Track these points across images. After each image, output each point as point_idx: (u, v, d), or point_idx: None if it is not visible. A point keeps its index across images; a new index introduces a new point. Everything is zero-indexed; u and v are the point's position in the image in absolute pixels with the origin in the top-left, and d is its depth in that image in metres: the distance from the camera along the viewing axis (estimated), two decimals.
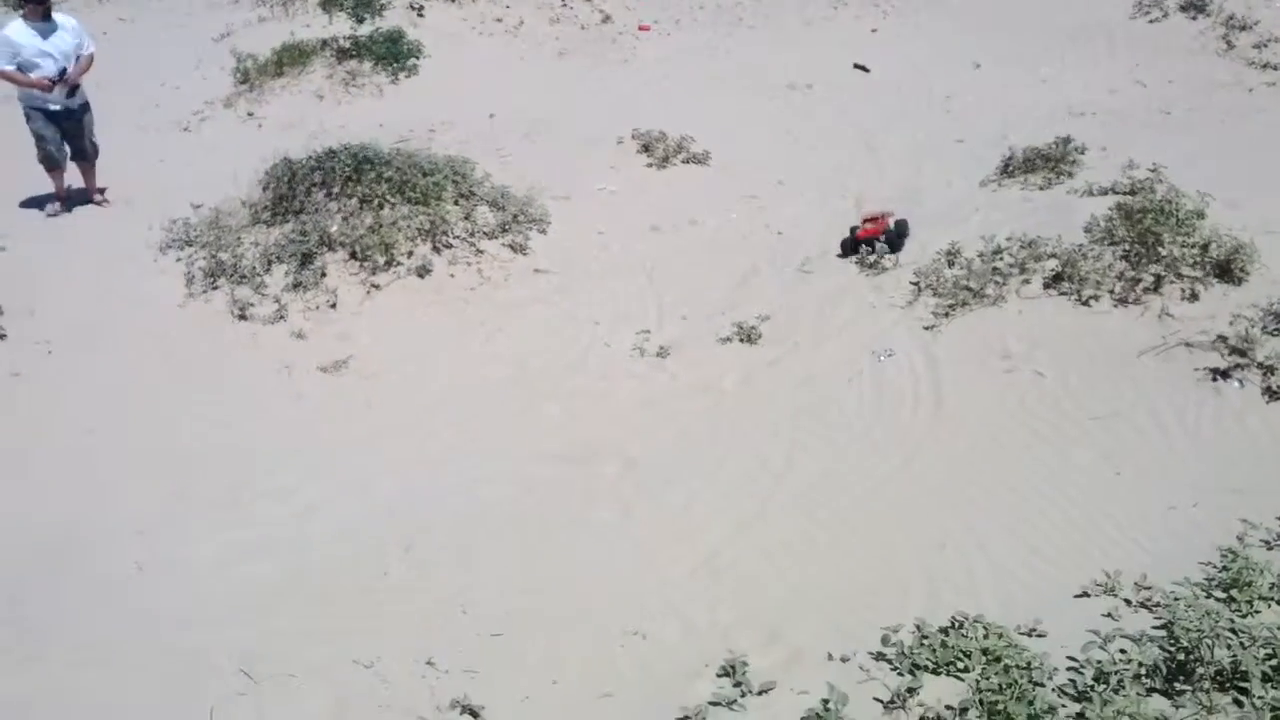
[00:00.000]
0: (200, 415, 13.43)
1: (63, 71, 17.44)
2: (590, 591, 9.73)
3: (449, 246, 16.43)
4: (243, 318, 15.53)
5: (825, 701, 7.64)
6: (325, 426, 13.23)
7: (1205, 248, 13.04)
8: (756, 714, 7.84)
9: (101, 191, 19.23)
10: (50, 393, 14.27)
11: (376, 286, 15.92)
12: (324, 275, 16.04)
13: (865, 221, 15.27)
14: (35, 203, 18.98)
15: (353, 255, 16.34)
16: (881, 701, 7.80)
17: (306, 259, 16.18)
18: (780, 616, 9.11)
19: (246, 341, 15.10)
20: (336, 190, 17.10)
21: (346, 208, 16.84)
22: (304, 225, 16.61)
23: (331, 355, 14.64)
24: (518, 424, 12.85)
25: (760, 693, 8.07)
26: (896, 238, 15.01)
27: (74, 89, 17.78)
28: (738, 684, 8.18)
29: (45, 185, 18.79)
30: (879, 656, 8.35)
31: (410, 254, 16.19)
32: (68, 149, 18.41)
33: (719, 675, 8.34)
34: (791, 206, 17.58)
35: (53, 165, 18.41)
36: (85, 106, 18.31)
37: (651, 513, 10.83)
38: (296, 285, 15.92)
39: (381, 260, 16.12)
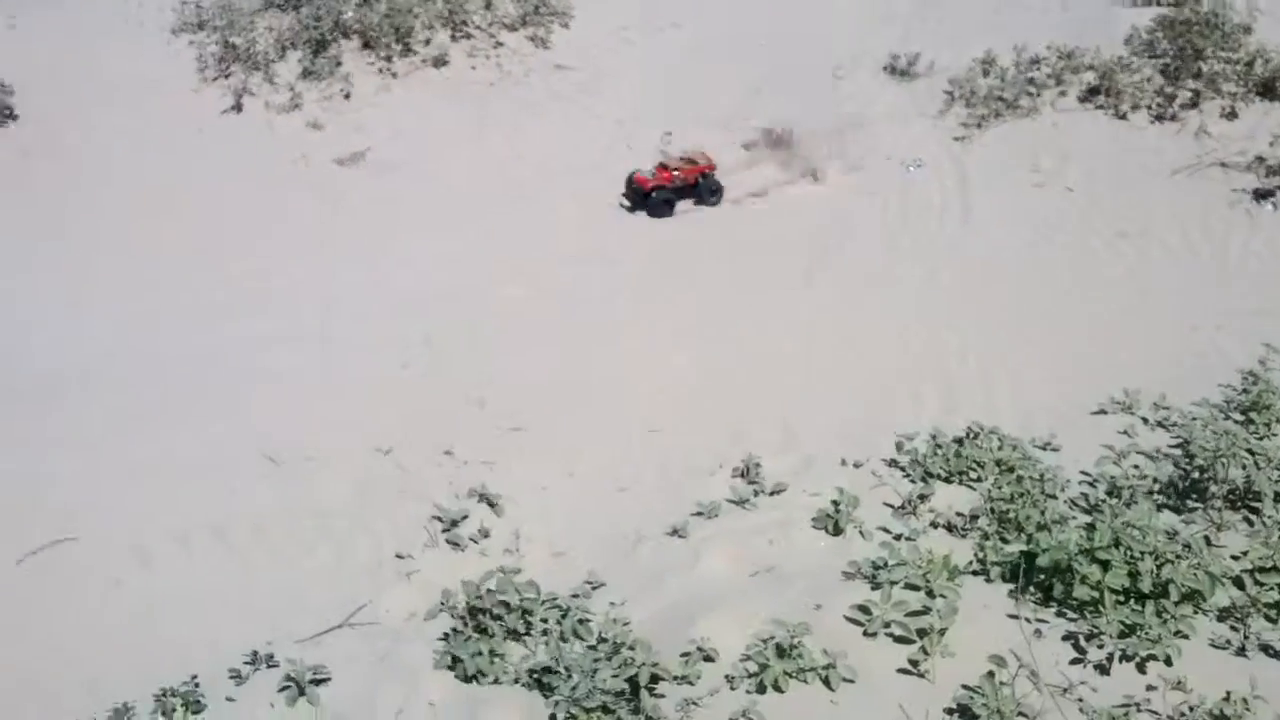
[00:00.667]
0: (217, 207, 13.29)
1: None
2: (606, 389, 9.79)
3: (468, 36, 15.87)
4: (238, 109, 15.19)
5: (835, 503, 7.74)
6: (345, 219, 13.11)
7: (1250, 64, 12.58)
8: (769, 513, 7.97)
9: None
10: (61, 174, 14.11)
11: (394, 75, 15.48)
12: (339, 64, 15.57)
13: (659, 168, 13.11)
14: None
15: (366, 44, 15.83)
16: (891, 506, 7.91)
17: (320, 46, 15.67)
18: (795, 420, 9.18)
19: (262, 130, 14.81)
20: None
21: None
22: (317, 10, 16.00)
23: (349, 147, 14.38)
24: (538, 225, 12.70)
25: (773, 493, 8.20)
26: (709, 193, 13.06)
27: None
28: (752, 483, 8.29)
29: None
30: (892, 463, 8.43)
31: (428, 42, 15.67)
32: None
33: (733, 475, 8.45)
34: (825, 8, 16.77)
35: None
36: None
37: (666, 314, 10.79)
38: (310, 73, 15.48)
39: (397, 48, 15.62)
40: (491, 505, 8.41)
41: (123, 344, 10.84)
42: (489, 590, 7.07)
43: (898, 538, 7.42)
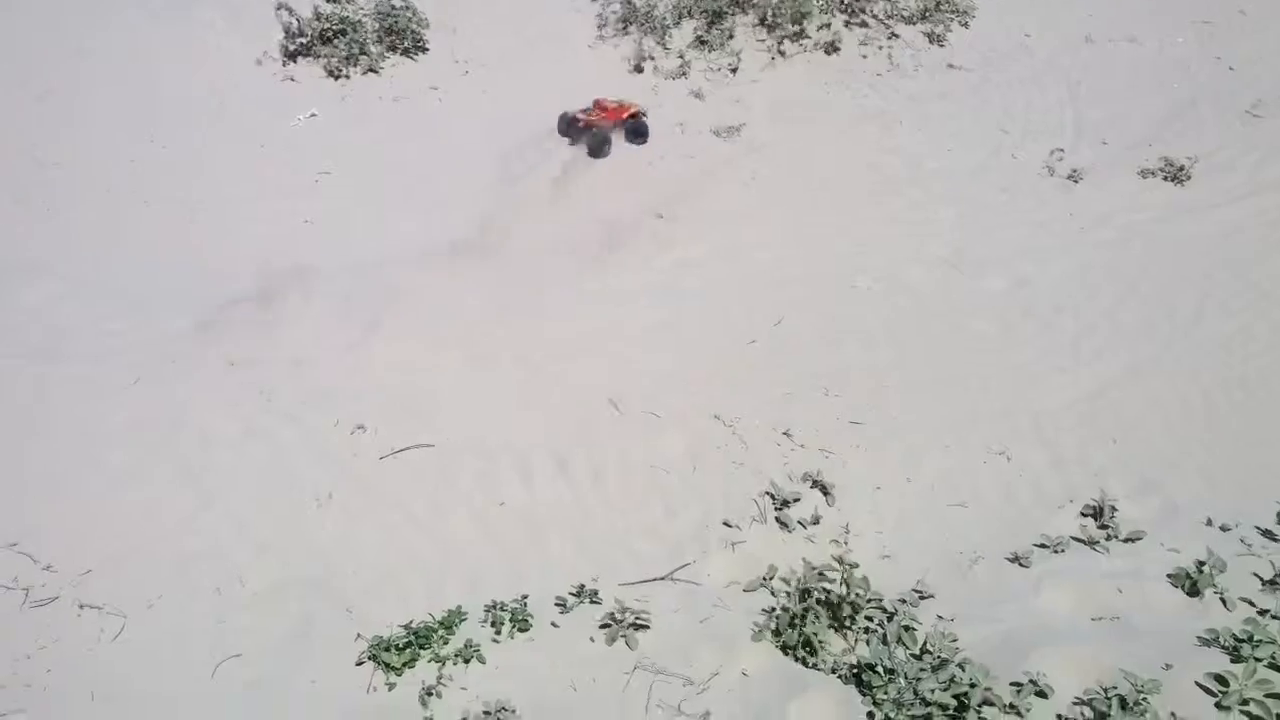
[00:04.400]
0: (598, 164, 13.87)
1: None
2: (959, 401, 9.43)
3: (863, 25, 15.74)
4: (639, 70, 15.69)
5: (1200, 564, 7.12)
6: (710, 183, 13.30)
7: None
8: (1120, 559, 7.44)
9: None
10: (460, 111, 15.15)
11: (782, 54, 15.57)
12: (731, 37, 15.85)
13: (597, 108, 14.08)
14: None
15: (762, 20, 15.98)
16: (1261, 579, 7.17)
17: (717, 17, 16.00)
18: (1159, 470, 8.49)
19: (647, 92, 15.28)
20: None
21: None
22: None
23: (725, 119, 14.58)
24: (901, 219, 12.39)
25: (1127, 540, 7.63)
26: (633, 134, 14.14)
27: None
28: (1104, 526, 7.77)
29: None
30: (1266, 533, 7.63)
31: (825, 26, 15.65)
32: None
33: (1084, 514, 7.95)
34: (1250, 39, 15.40)
35: None
36: None
37: (1036, 336, 10.25)
38: (702, 43, 15.85)
39: (791, 29, 15.69)
40: (825, 493, 8.33)
41: None
42: (822, 575, 7.02)
43: (1263, 613, 6.75)
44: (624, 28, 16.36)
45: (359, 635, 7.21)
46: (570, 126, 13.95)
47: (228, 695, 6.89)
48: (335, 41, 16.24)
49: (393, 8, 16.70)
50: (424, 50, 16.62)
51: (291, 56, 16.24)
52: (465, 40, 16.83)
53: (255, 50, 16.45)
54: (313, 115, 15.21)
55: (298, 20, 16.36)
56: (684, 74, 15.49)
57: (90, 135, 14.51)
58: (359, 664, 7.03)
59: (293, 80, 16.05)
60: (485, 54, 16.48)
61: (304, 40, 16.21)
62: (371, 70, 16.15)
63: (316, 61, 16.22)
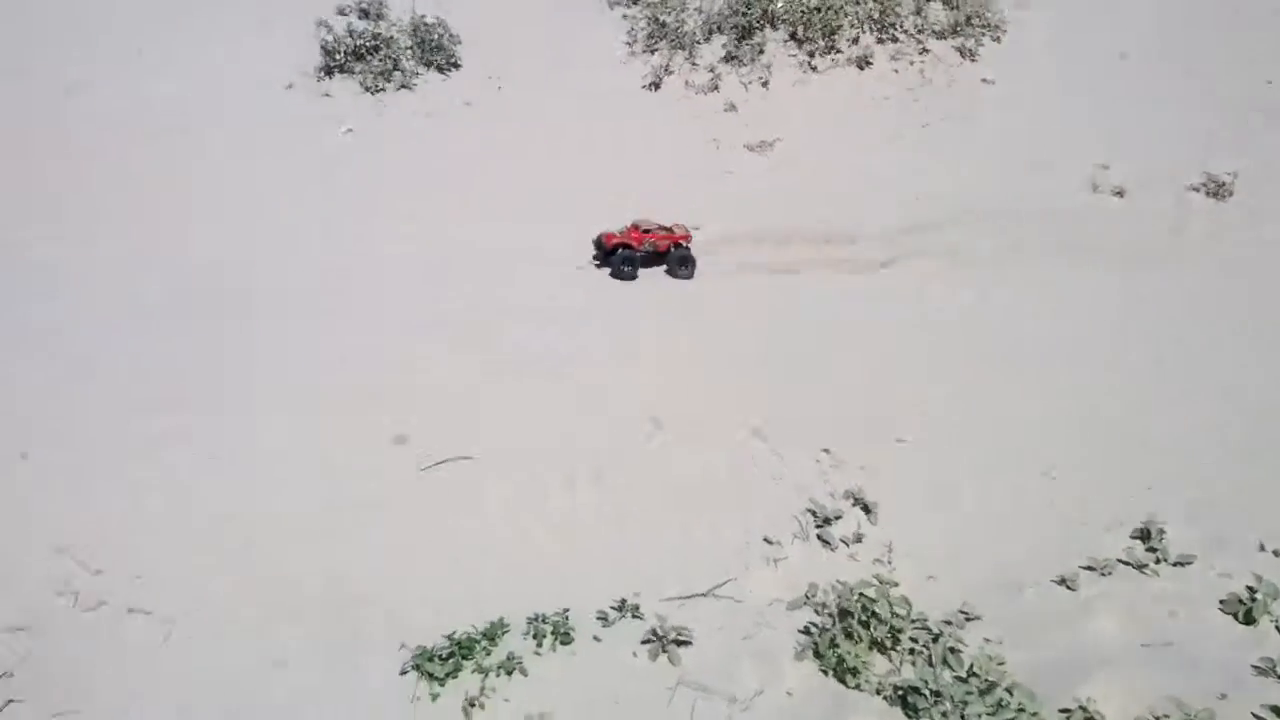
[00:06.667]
0: (631, 174, 13.88)
1: None
2: (1004, 421, 9.31)
3: (894, 40, 15.71)
4: (656, 86, 15.72)
5: (1251, 590, 7.02)
6: (745, 189, 13.32)
7: None
8: (1170, 583, 7.34)
9: None
10: (494, 124, 15.22)
11: (813, 69, 15.56)
12: (761, 52, 15.84)
13: (631, 228, 12.28)
14: None
15: (793, 35, 15.98)
16: None
17: (746, 32, 16.01)
18: (1211, 497, 8.32)
19: (680, 107, 15.31)
20: None
21: None
22: None
23: (759, 134, 14.59)
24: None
25: (1177, 564, 7.53)
26: (679, 264, 12.18)
27: None
28: (1152, 549, 7.66)
29: None
30: None
31: (855, 41, 15.65)
32: None
33: (1133, 536, 7.84)
34: None
35: None
36: None
37: (1082, 355, 10.15)
38: (732, 58, 15.85)
39: (822, 43, 15.69)
40: (867, 511, 8.27)
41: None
42: (862, 595, 6.97)
43: None
44: (653, 44, 16.37)
45: (403, 645, 7.21)
46: (607, 251, 12.39)
47: (273, 702, 6.89)
48: (369, 58, 16.35)
49: (426, 24, 16.81)
50: (457, 66, 16.71)
51: (328, 72, 16.34)
52: (497, 56, 16.88)
53: (289, 66, 16.55)
54: (349, 131, 15.29)
55: (334, 36, 16.48)
56: (715, 88, 15.50)
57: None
58: (403, 673, 7.03)
59: (328, 96, 16.14)
60: (517, 70, 16.52)
61: (340, 56, 16.31)
62: (405, 87, 16.23)
63: (352, 78, 16.32)
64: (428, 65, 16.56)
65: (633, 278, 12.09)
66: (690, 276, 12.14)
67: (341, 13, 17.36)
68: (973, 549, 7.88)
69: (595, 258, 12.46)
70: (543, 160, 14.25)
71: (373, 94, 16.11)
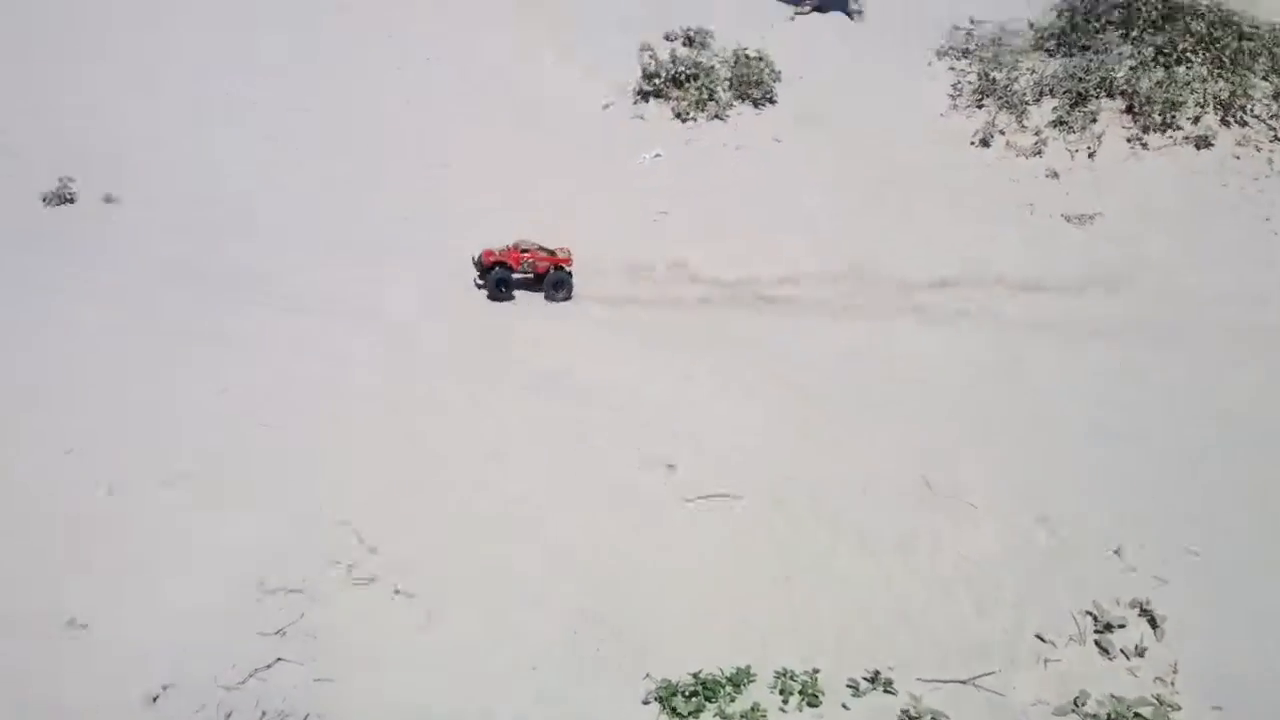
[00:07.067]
0: (937, 231, 13.57)
1: None
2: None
3: (1243, 124, 14.55)
4: (985, 144, 15.22)
5: None
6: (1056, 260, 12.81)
7: None
8: None
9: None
10: (804, 162, 15.20)
11: (1144, 145, 14.64)
12: (1094, 120, 15.06)
13: (511, 248, 12.11)
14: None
15: (1129, 108, 15.11)
16: None
17: (1080, 99, 15.27)
18: None
19: (1000, 168, 14.76)
20: (1134, 34, 15.75)
21: (1139, 55, 15.45)
22: (1088, 63, 15.57)
23: (1080, 207, 13.86)
24: None
25: None
26: (553, 287, 12.09)
27: None
28: None
29: None
30: None
31: (1196, 120, 14.61)
32: None
33: None
34: None
35: None
36: None
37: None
38: (1061, 123, 15.15)
39: (1159, 120, 14.75)
40: (1154, 625, 7.62)
41: None
42: (1138, 714, 6.42)
43: None
44: (979, 100, 15.88)
45: (648, 675, 7.21)
46: (484, 269, 12.23)
47: (518, 704, 7.05)
48: (687, 85, 16.62)
49: (747, 57, 16.94)
50: (772, 102, 16.74)
51: (644, 96, 16.73)
52: (814, 94, 16.82)
53: (611, 84, 17.08)
54: (658, 156, 15.61)
55: (656, 60, 16.88)
56: (1039, 153, 14.85)
57: None
58: (645, 702, 7.03)
59: (641, 119, 16.51)
60: (831, 113, 16.38)
61: (659, 81, 16.65)
62: (717, 117, 16.41)
63: (666, 104, 16.64)
64: (742, 98, 16.67)
65: (510, 298, 12.07)
66: (568, 299, 12.15)
67: (668, 38, 17.75)
68: (1270, 678, 7.14)
69: (477, 277, 12.34)
70: (849, 202, 14.08)
71: (683, 121, 16.36)
